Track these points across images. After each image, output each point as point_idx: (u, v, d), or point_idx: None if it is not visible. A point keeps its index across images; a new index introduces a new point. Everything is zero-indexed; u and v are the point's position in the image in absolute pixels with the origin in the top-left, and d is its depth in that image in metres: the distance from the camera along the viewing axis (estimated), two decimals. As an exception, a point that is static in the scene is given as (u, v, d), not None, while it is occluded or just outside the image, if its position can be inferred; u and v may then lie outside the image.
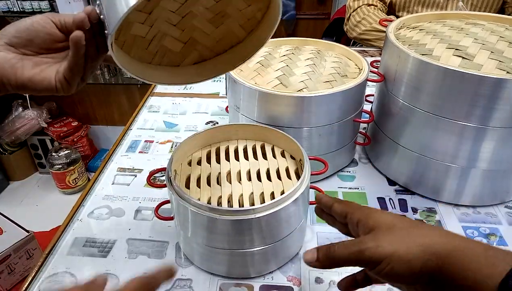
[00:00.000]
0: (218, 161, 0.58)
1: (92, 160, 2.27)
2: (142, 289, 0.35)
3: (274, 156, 0.59)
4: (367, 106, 0.74)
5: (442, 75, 0.55)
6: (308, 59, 0.68)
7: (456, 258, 0.31)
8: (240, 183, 0.53)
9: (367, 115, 0.72)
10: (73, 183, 2.01)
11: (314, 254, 0.37)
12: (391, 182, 0.71)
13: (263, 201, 0.50)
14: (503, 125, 0.55)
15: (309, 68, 0.65)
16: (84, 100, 2.25)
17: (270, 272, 0.54)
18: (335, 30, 1.57)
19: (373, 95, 0.76)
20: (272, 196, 0.51)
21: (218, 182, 0.54)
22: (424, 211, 0.65)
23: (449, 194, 0.64)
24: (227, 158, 0.58)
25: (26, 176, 2.22)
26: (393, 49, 0.63)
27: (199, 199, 0.48)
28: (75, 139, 2.16)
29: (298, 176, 0.54)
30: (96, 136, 2.37)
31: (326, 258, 0.36)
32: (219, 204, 0.50)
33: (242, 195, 0.51)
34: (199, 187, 0.53)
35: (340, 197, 0.68)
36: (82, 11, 0.41)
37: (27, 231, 1.28)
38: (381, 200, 0.67)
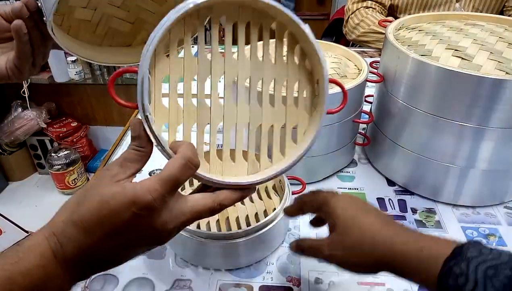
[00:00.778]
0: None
1: (92, 161, 2.26)
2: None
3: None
4: (366, 107, 0.74)
5: (441, 76, 0.55)
6: (308, 59, 0.68)
7: (396, 266, 0.36)
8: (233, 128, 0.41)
9: (367, 116, 0.72)
10: (72, 183, 2.00)
11: (293, 243, 0.45)
12: (391, 183, 0.71)
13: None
14: (502, 125, 0.55)
15: (309, 69, 0.65)
16: (84, 100, 2.25)
17: (268, 272, 0.54)
18: (335, 31, 1.57)
19: (372, 95, 0.76)
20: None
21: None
22: (423, 211, 0.65)
23: (449, 194, 0.65)
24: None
25: (25, 176, 2.22)
26: (392, 50, 0.63)
27: None
28: (75, 139, 2.16)
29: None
30: (96, 136, 2.37)
31: (298, 247, 0.44)
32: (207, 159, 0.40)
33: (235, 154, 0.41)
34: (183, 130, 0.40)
35: (340, 197, 0.68)
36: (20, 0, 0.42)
37: (26, 232, 1.27)
38: (380, 201, 0.67)
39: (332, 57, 0.71)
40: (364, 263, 0.38)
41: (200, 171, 0.36)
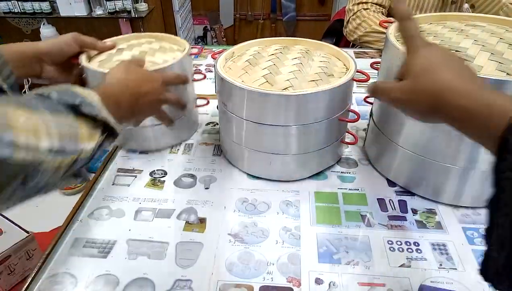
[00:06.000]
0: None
1: (92, 161, 2.27)
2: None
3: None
4: (366, 108, 0.74)
5: (442, 77, 0.55)
6: (296, 58, 0.69)
7: (456, 119, 0.37)
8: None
9: (355, 115, 0.72)
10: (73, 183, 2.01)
11: (370, 86, 0.48)
12: (391, 183, 0.71)
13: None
14: (503, 126, 0.55)
15: (296, 68, 0.66)
16: (85, 101, 2.24)
17: (269, 272, 0.54)
18: (335, 32, 1.57)
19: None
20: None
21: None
22: (424, 212, 0.65)
23: (449, 195, 0.65)
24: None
25: (26, 176, 2.22)
26: (393, 51, 0.63)
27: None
28: (75, 140, 2.17)
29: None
30: (96, 137, 2.37)
31: (373, 89, 0.48)
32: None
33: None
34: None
35: (340, 198, 0.68)
36: None
37: (27, 232, 1.27)
38: (381, 201, 0.67)
39: (321, 56, 0.71)
40: (424, 110, 0.40)
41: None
